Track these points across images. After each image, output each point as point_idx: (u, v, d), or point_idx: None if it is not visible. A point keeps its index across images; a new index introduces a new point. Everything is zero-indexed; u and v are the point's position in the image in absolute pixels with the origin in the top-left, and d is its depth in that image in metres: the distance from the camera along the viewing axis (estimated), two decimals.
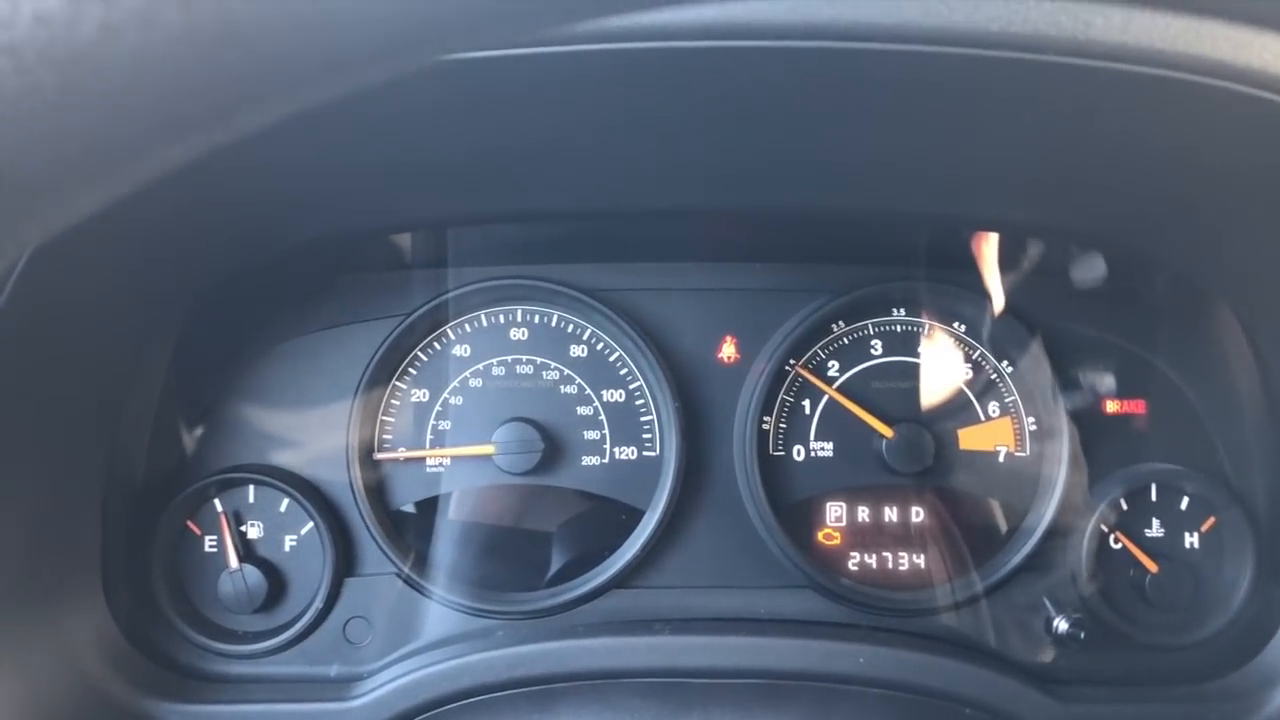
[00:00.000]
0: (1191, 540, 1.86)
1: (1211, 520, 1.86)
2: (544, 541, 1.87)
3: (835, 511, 1.88)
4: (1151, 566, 1.82)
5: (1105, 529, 1.85)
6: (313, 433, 1.83)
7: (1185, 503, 1.86)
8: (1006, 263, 1.82)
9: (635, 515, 1.85)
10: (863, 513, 1.88)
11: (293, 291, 1.84)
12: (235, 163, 1.33)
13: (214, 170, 1.35)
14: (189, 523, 1.81)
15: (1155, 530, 1.86)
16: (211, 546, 1.81)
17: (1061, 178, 1.42)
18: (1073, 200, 1.49)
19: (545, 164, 1.43)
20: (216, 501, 1.81)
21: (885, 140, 1.36)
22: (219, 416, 1.83)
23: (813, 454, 1.88)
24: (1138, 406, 1.89)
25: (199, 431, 1.83)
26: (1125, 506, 1.85)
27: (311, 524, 1.80)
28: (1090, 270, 1.79)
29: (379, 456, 1.84)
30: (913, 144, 1.36)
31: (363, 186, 1.46)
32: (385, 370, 1.84)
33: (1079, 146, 1.32)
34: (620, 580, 1.83)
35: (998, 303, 1.85)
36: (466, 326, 1.86)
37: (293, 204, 1.49)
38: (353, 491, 1.80)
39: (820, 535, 1.88)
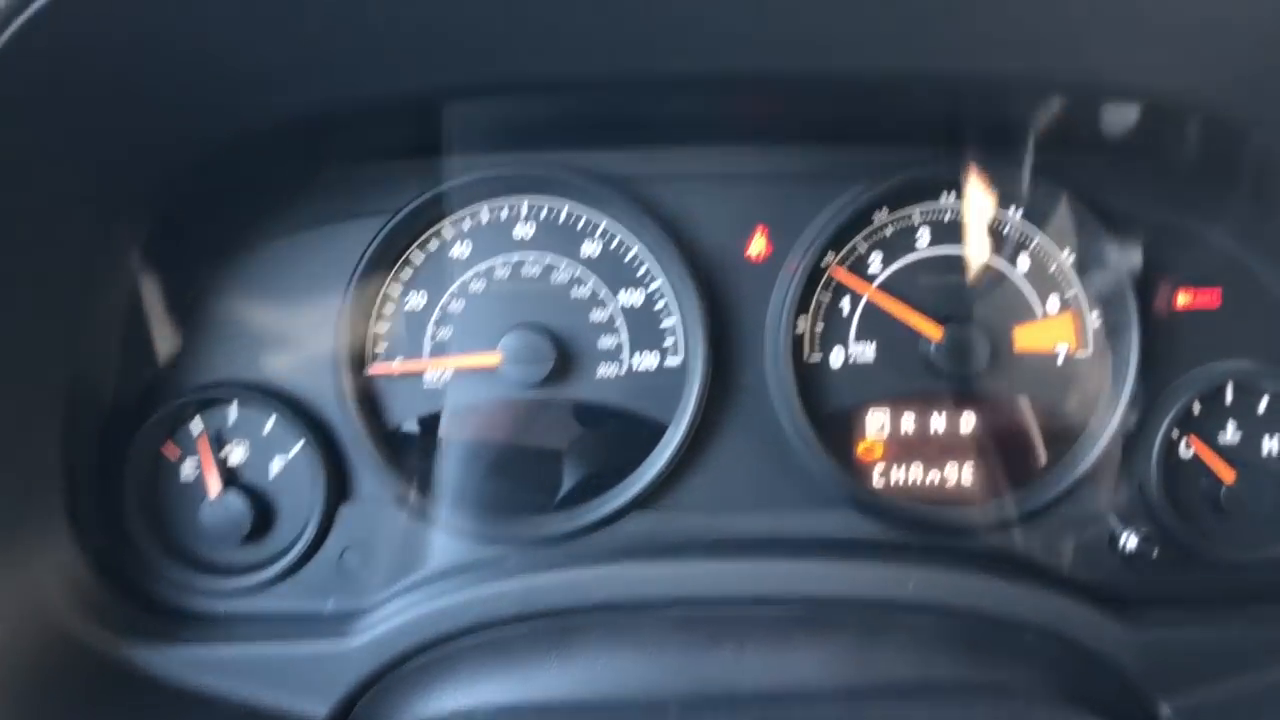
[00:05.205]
0: (1271, 446, 1.71)
1: None
2: (557, 461, 1.70)
3: (878, 422, 1.71)
4: (1227, 475, 1.66)
5: (1175, 435, 1.68)
6: (300, 343, 1.66)
7: (1265, 404, 1.70)
8: (1070, 141, 1.62)
9: (658, 430, 1.68)
10: (908, 422, 1.71)
11: (274, 187, 1.65)
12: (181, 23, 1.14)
13: (162, 36, 1.17)
14: (165, 447, 1.64)
15: (1230, 435, 1.70)
16: (191, 472, 1.64)
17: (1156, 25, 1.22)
18: (1162, 54, 1.29)
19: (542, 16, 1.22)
20: (195, 422, 1.64)
21: None
22: (196, 327, 1.65)
23: (852, 359, 1.70)
24: (1212, 298, 1.70)
25: (175, 344, 1.64)
26: (1198, 410, 1.69)
27: (300, 444, 1.64)
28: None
29: (372, 370, 1.66)
30: None
31: (329, 52, 1.25)
32: (377, 272, 1.65)
33: None
34: (642, 501, 1.67)
35: (1059, 186, 1.65)
36: (466, 222, 1.67)
37: (254, 74, 1.28)
38: (345, 407, 1.63)
39: (861, 449, 1.71)
